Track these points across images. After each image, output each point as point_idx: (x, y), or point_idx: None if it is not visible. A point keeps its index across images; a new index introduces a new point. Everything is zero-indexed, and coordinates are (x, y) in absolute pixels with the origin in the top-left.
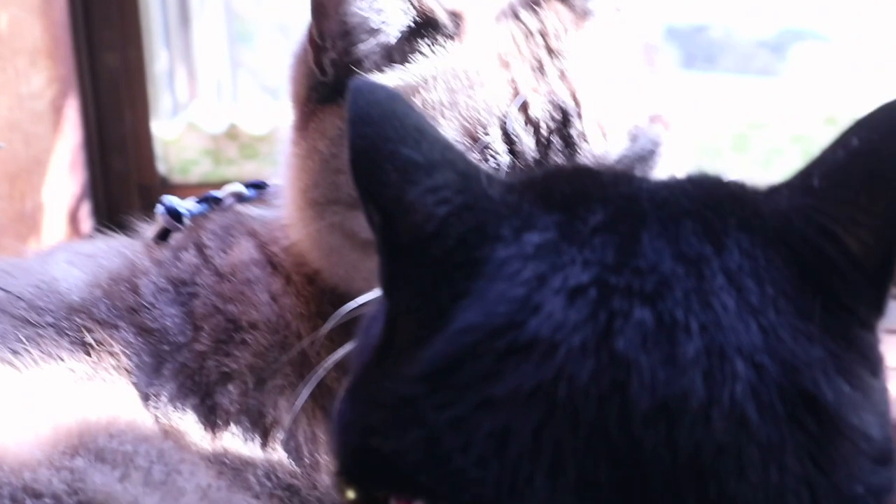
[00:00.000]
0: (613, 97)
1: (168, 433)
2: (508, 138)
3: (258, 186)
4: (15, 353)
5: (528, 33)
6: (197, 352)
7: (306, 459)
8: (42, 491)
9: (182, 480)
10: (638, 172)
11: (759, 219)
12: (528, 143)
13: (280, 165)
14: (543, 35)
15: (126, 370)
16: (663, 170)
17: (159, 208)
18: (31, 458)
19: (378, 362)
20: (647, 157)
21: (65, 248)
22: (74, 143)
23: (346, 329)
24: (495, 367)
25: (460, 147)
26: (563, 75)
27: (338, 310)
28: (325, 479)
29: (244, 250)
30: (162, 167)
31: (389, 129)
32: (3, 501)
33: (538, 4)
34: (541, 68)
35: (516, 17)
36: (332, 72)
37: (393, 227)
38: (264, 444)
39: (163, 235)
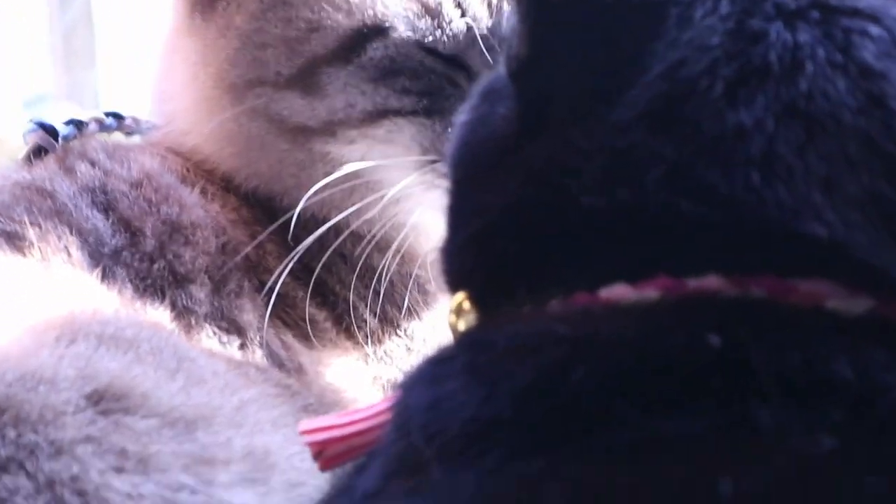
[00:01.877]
0: None
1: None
2: (460, 5)
3: (116, 116)
4: None
5: None
6: (142, 253)
7: (287, 364)
8: (51, 376)
9: (196, 367)
10: None
11: None
12: (479, 9)
13: (162, 71)
14: None
15: (80, 266)
16: None
17: (30, 126)
18: (23, 346)
19: (528, 140)
20: None
21: None
22: None
23: (285, 237)
24: (729, 95)
25: (410, 18)
26: None
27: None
28: (317, 381)
29: (145, 162)
30: None
31: None
32: (13, 388)
33: None
34: None
35: None
36: None
37: None
38: (242, 348)
39: (37, 153)
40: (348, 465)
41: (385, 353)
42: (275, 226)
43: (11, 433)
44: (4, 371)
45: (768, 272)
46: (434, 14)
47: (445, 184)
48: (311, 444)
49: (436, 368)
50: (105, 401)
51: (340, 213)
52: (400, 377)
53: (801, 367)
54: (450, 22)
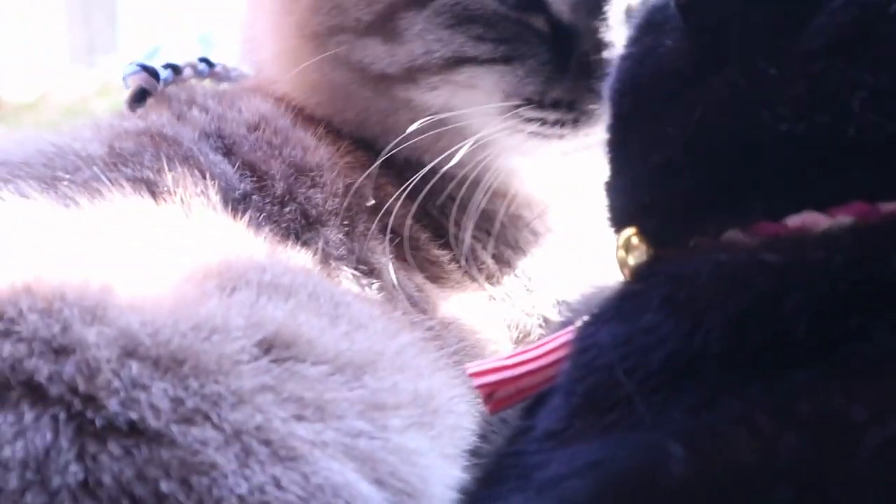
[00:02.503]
0: None
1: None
2: None
3: (207, 62)
4: (75, 202)
5: None
6: (272, 196)
7: (424, 305)
8: (222, 325)
9: (354, 312)
10: None
11: None
12: None
13: (249, 19)
14: None
15: (219, 211)
16: None
17: (132, 68)
18: (186, 295)
19: (708, 71)
20: None
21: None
22: None
23: (402, 180)
24: None
25: None
26: None
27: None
28: (454, 323)
29: (259, 106)
30: None
31: None
32: (187, 339)
33: None
34: None
35: None
36: None
37: None
38: (381, 290)
39: (140, 97)
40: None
41: (506, 293)
42: (373, 167)
43: (194, 384)
44: (176, 320)
45: None
46: None
47: (531, 127)
48: (481, 387)
49: (623, 303)
50: (276, 349)
51: (433, 157)
52: (566, 314)
53: None
54: None
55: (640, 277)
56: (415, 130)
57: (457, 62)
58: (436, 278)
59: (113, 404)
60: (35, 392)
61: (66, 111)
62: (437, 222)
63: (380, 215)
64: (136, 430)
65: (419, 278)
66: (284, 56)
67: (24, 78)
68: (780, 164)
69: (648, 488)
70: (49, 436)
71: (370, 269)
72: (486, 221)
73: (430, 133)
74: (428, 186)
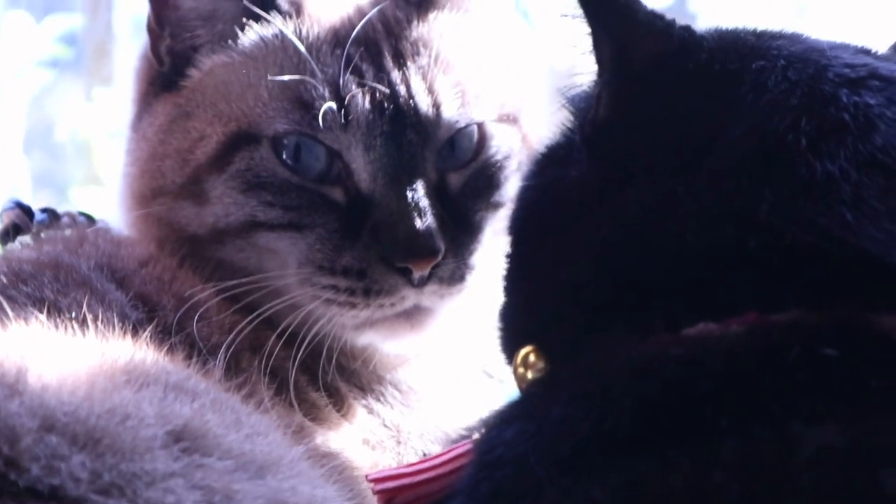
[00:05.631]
0: (448, 76)
1: None
2: (340, 99)
3: (88, 217)
4: None
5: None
6: (163, 326)
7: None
8: (136, 413)
9: (253, 420)
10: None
11: None
12: (361, 104)
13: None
14: (381, 21)
15: (115, 330)
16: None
17: (7, 204)
18: (99, 385)
19: (613, 194)
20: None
21: None
22: None
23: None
24: (813, 149)
25: (292, 115)
26: (397, 53)
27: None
28: (332, 454)
29: (140, 245)
30: None
31: None
32: (103, 420)
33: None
34: (376, 44)
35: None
36: (168, 61)
37: (627, 52)
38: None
39: (11, 233)
40: None
41: (377, 441)
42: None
43: (110, 460)
44: (92, 403)
45: (851, 302)
46: (308, 106)
47: (326, 294)
48: (381, 493)
49: (528, 404)
50: (184, 440)
51: (266, 311)
52: (462, 432)
53: None
54: (331, 114)
55: (540, 385)
56: (238, 286)
57: (251, 226)
58: (314, 419)
59: (35, 469)
60: None
61: None
62: (312, 367)
63: (261, 356)
64: (56, 496)
65: (299, 417)
66: (125, 211)
67: None
68: (682, 276)
69: None
70: None
71: (252, 399)
72: (350, 375)
73: (252, 288)
74: (301, 333)
